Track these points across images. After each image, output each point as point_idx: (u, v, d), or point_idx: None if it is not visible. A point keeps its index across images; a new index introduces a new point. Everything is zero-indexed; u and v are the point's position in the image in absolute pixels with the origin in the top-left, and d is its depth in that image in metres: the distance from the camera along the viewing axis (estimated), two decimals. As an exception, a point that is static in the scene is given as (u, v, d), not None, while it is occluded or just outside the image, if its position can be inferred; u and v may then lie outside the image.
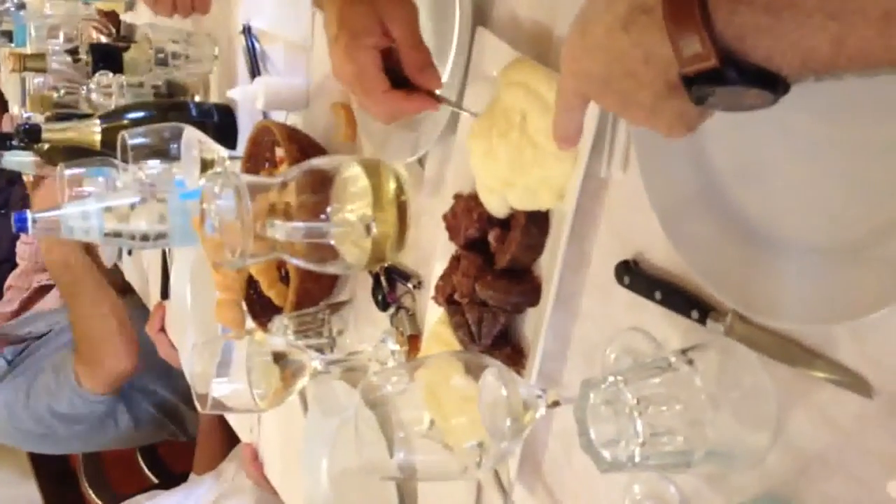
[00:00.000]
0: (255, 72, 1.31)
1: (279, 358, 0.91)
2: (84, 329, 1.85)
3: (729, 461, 0.61)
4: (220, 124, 1.39)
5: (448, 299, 0.83)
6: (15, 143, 1.43)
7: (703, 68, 0.41)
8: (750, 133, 0.60)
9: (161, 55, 1.49)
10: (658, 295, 0.66)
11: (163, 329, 1.66)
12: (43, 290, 2.76)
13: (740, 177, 0.61)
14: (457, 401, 0.75)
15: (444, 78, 0.89)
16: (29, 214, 1.20)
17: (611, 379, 0.57)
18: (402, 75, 0.78)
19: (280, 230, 0.91)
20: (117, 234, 1.29)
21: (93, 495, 2.21)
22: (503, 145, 0.73)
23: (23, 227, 1.19)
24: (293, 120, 1.24)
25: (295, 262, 0.98)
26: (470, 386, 0.72)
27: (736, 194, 0.61)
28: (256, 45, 1.31)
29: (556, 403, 0.66)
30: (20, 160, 1.74)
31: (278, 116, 1.26)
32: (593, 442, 0.58)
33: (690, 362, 0.58)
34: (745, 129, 0.59)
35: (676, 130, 0.47)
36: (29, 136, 1.33)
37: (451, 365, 0.74)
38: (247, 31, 1.32)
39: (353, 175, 0.97)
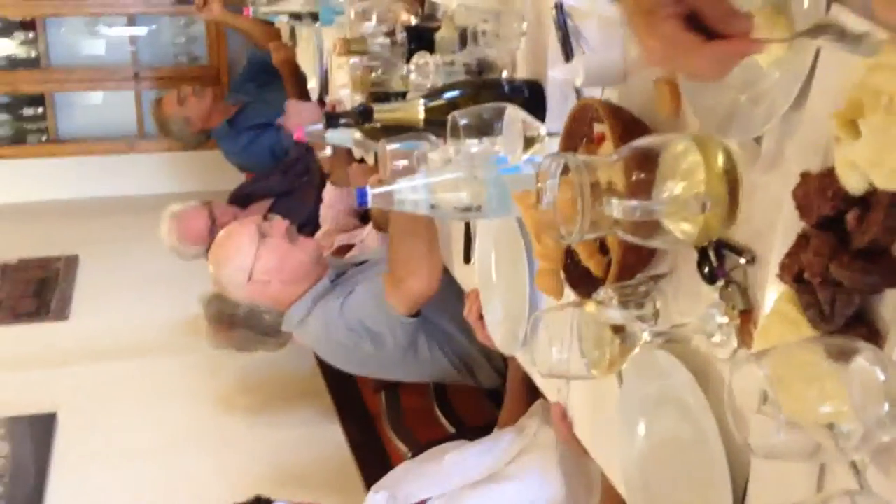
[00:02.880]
0: (567, 48, 1.35)
1: (617, 330, 0.96)
2: (396, 248, 2.00)
3: None
4: (530, 100, 1.45)
5: (795, 278, 0.83)
6: (344, 122, 1.57)
7: None
8: None
9: (471, 34, 1.57)
10: None
11: (481, 317, 1.74)
12: (342, 250, 3.02)
13: None
14: (810, 382, 0.76)
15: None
16: (369, 189, 1.33)
17: None
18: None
19: (617, 208, 0.95)
20: (440, 207, 1.39)
21: (396, 439, 2.41)
22: (868, 125, 0.72)
23: (363, 202, 1.32)
24: (607, 95, 1.27)
25: (624, 237, 1.02)
26: (831, 368, 0.73)
27: None
28: (569, 21, 1.35)
29: (933, 390, 0.65)
30: (341, 136, 1.92)
31: (591, 92, 1.30)
32: None
33: None
34: None
35: None
36: (363, 116, 1.47)
37: (808, 351, 0.75)
38: (559, 7, 1.36)
39: (682, 151, 0.99)
